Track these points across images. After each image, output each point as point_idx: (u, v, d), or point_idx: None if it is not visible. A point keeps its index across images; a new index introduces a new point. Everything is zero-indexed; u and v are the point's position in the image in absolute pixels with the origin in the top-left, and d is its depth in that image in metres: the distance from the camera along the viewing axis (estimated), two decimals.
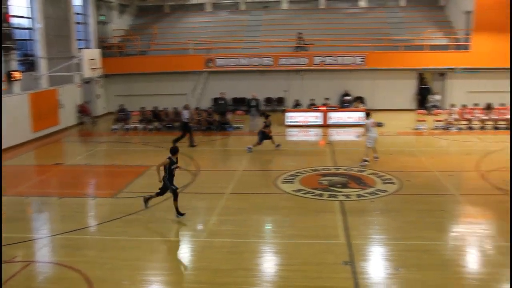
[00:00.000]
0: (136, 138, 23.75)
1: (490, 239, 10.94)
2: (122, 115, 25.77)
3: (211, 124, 24.54)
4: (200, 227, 12.03)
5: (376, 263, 9.99)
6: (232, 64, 29.02)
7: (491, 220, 12.13)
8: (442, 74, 29.23)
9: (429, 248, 10.40)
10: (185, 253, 10.76)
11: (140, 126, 25.15)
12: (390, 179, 15.45)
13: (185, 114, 20.81)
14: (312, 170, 16.70)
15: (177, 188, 12.24)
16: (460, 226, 11.96)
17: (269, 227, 12.07)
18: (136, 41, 31.17)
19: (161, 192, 12.30)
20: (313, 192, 14.23)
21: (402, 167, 16.97)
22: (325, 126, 24.79)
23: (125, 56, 30.44)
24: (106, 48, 29.93)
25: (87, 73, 24.01)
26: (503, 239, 10.79)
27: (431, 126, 24.01)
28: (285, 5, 34.48)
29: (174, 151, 12.27)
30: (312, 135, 23.51)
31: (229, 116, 25.17)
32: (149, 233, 11.57)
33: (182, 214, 12.20)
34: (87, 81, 27.58)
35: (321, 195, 14.01)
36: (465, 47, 28.41)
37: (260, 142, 19.47)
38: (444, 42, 29.42)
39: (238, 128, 24.54)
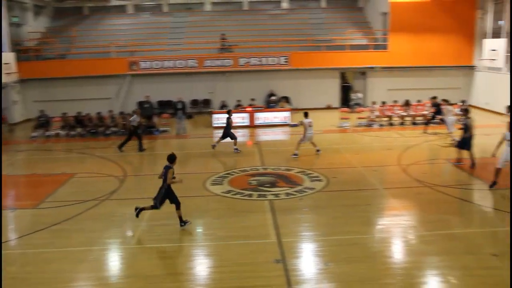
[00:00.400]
0: (58, 145, 22.79)
1: (413, 229, 11.44)
2: (42, 122, 24.63)
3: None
4: (129, 233, 11.72)
5: (307, 259, 10.17)
6: (156, 67, 28.55)
7: (412, 211, 12.69)
8: (363, 73, 30.30)
9: (356, 241, 10.72)
10: (114, 261, 10.43)
11: (62, 132, 24.16)
12: (317, 176, 15.79)
13: (135, 118, 20.34)
14: (240, 171, 16.76)
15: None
16: (385, 218, 12.42)
17: (200, 230, 11.98)
18: (54, 44, 29.97)
19: (157, 205, 11.54)
20: (242, 193, 14.27)
21: (328, 164, 17.40)
22: (252, 126, 24.97)
23: (43, 60, 29.11)
24: (22, 52, 28.55)
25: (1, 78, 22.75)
26: (424, 229, 11.35)
27: (354, 123, 24.80)
28: (208, 7, 34.41)
29: (173, 158, 11.59)
30: (239, 136, 23.56)
31: (155, 119, 24.75)
32: (75, 243, 11.09)
33: (186, 222, 11.67)
34: (2, 87, 26.14)
35: (250, 195, 14.08)
36: (384, 47, 29.64)
37: (234, 137, 19.52)
38: (363, 42, 30.53)
39: (164, 131, 24.18)
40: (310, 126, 18.72)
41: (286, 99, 28.80)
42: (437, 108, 22.46)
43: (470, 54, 29.84)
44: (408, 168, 16.61)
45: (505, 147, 13.76)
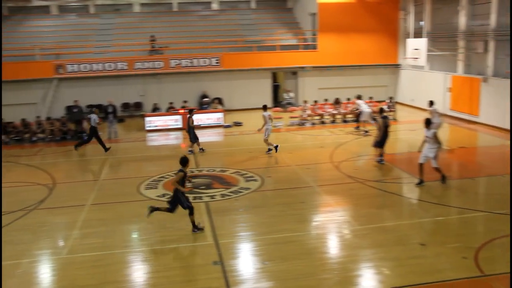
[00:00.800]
0: None
1: (347, 224, 11.76)
2: None
3: (66, 134, 23.23)
4: (60, 243, 11.30)
5: (245, 259, 10.21)
6: (84, 70, 27.62)
7: (346, 206, 13.04)
8: (294, 72, 30.78)
9: (293, 239, 10.88)
10: (45, 273, 9.99)
11: None
12: (252, 176, 15.88)
13: (95, 119, 19.88)
14: (175, 173, 16.49)
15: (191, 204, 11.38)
16: (319, 215, 12.69)
17: (135, 236, 11.74)
18: None
19: (172, 208, 11.32)
20: None
21: (263, 163, 17.55)
22: (185, 128, 24.66)
23: None
24: None
25: None
26: (357, 223, 11.70)
27: (287, 122, 25.15)
28: (137, 8, 33.78)
29: (185, 161, 11.34)
30: (173, 139, 23.32)
31: (85, 124, 23.97)
32: (3, 257, 10.54)
33: (200, 229, 11.32)
34: None
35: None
36: (313, 47, 30.26)
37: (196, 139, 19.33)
38: (294, 42, 31.03)
39: None
40: (270, 119, 18.93)
41: (219, 100, 28.79)
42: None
43: (395, 53, 31.07)
44: (340, 165, 17.05)
45: (425, 143, 14.34)
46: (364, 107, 22.73)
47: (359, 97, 23.55)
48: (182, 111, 25.15)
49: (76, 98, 25.43)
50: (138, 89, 28.72)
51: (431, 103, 19.16)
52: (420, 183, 14.32)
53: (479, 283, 8.77)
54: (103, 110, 24.24)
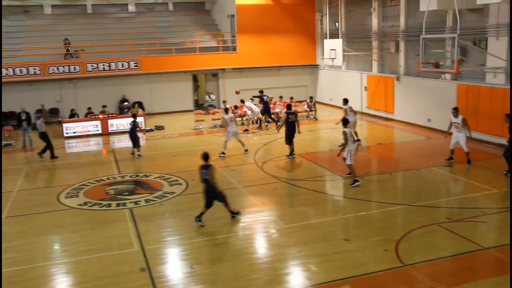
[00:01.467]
0: None
1: (273, 223, 11.90)
2: None
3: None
4: None
5: (172, 264, 10.06)
6: None
7: (271, 206, 13.19)
8: (214, 74, 30.76)
9: (220, 241, 10.88)
10: None
11: None
12: (176, 180, 15.70)
13: (41, 123, 19.54)
14: (96, 181, 16.04)
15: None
16: (246, 216, 12.70)
17: (56, 247, 11.23)
18: None
19: (209, 203, 11.80)
20: (100, 204, 13.69)
21: (186, 167, 17.37)
22: (105, 134, 24.02)
23: None
24: None
25: None
26: (283, 222, 11.88)
27: (209, 125, 25.09)
28: (48, 10, 32.37)
29: (208, 156, 11.86)
30: (93, 145, 22.56)
31: None
32: None
33: (237, 213, 12.17)
34: None
35: (109, 205, 13.56)
36: (233, 48, 30.40)
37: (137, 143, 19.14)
38: (213, 44, 31.01)
39: (8, 145, 22.23)
40: (231, 121, 18.74)
41: (139, 104, 28.20)
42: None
43: (313, 53, 31.87)
44: (264, 165, 17.23)
45: (349, 145, 14.77)
46: (254, 107, 23.83)
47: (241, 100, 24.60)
48: (101, 116, 24.40)
49: None
50: (54, 94, 27.52)
51: (346, 101, 19.73)
52: (355, 182, 14.57)
53: (400, 273, 9.16)
54: (16, 118, 23.01)
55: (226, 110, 19.37)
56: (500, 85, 18.54)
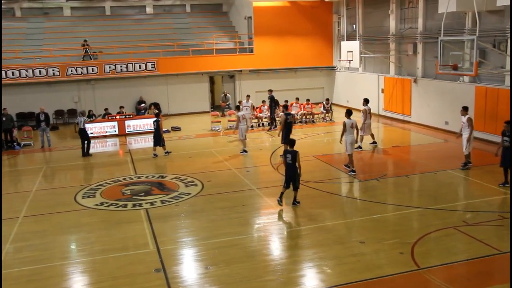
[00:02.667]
0: None
1: (288, 225, 11.90)
2: None
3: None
4: None
5: (187, 265, 10.10)
6: (12, 77, 26.39)
7: (286, 208, 13.14)
8: (231, 76, 30.84)
9: (235, 242, 10.88)
10: None
11: None
12: (192, 181, 15.76)
13: (82, 121, 20.21)
14: (113, 181, 16.19)
15: None
16: (261, 217, 12.74)
17: (73, 247, 11.35)
18: None
19: (288, 185, 12.96)
20: (116, 204, 13.81)
21: (202, 168, 17.45)
22: (122, 135, 24.23)
23: None
24: None
25: None
26: (298, 224, 11.86)
27: (225, 126, 25.15)
28: (67, 12, 32.76)
29: (294, 141, 13.03)
30: (110, 146, 22.77)
31: (15, 133, 22.97)
32: None
33: (299, 202, 13.12)
34: None
35: (125, 205, 13.67)
36: (250, 50, 30.46)
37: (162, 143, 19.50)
38: (230, 46, 31.10)
39: (27, 145, 22.55)
40: (243, 119, 19.22)
41: (155, 106, 28.39)
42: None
43: (330, 55, 31.80)
44: (280, 167, 17.21)
45: (347, 135, 15.85)
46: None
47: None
48: (118, 117, 24.62)
49: (4, 107, 24.30)
50: (72, 95, 27.86)
51: (366, 101, 19.64)
52: (352, 172, 15.95)
53: (415, 276, 9.09)
54: (35, 118, 23.34)
55: (238, 108, 20.15)
56: None
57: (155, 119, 19.55)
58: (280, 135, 17.87)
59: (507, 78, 19.06)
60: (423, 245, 10.40)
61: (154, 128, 19.45)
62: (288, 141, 13.14)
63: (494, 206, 12.72)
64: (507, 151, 13.79)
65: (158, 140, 19.30)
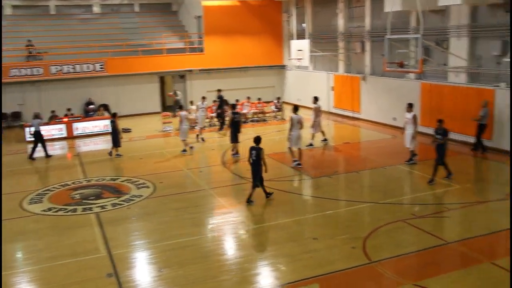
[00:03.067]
0: None
1: (242, 224, 11.90)
2: None
3: None
4: None
5: (140, 268, 9.94)
6: None
7: (240, 207, 13.15)
8: (182, 76, 30.56)
9: (189, 244, 10.78)
10: None
11: None
12: (144, 183, 15.52)
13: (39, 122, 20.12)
14: (61, 185, 15.74)
15: None
16: (214, 218, 12.69)
17: (19, 255, 10.94)
18: None
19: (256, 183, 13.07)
20: (65, 209, 13.43)
21: (154, 169, 17.22)
22: (70, 137, 23.58)
23: None
24: None
25: None
26: (252, 223, 11.90)
27: (177, 127, 24.85)
28: (8, 11, 31.54)
29: (259, 139, 13.13)
30: (57, 149, 22.11)
31: None
32: None
33: (271, 193, 13.36)
34: None
35: (74, 210, 13.31)
36: (201, 50, 30.28)
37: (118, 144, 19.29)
38: (180, 45, 30.81)
39: None
40: (185, 118, 19.22)
41: (105, 107, 27.78)
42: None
43: (280, 54, 32.03)
44: (232, 166, 17.21)
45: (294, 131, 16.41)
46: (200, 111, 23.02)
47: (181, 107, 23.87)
48: (66, 119, 23.94)
49: None
50: (16, 98, 26.85)
51: (316, 99, 19.89)
52: (297, 164, 16.66)
53: (367, 270, 9.27)
54: None
55: (181, 107, 20.37)
56: (462, 84, 18.98)
57: (111, 119, 19.25)
58: (229, 134, 18.13)
59: (450, 75, 19.73)
60: (374, 239, 10.62)
61: (112, 129, 19.24)
62: (255, 139, 13.21)
63: (440, 198, 13.15)
64: (439, 148, 14.20)
65: (116, 140, 19.07)
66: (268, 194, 13.32)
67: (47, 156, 19.78)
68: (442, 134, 14.04)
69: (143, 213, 12.97)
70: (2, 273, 9.81)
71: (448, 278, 8.81)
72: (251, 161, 12.98)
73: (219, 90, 24.69)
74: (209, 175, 16.90)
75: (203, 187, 14.98)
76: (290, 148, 16.77)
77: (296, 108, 16.90)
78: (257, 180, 13.01)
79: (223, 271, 9.54)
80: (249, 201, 13.07)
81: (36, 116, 20.40)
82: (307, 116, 19.71)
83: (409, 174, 15.62)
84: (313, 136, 19.47)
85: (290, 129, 16.55)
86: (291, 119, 16.57)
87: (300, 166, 16.41)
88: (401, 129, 17.40)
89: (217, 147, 20.46)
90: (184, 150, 19.24)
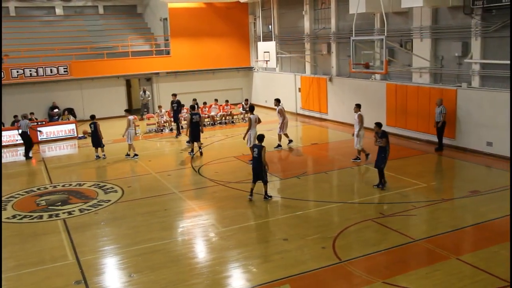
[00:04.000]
0: None
1: (212, 227, 11.86)
2: None
3: None
4: None
5: (110, 274, 9.79)
6: None
7: (210, 210, 13.13)
8: (148, 79, 30.28)
9: (158, 248, 10.69)
10: None
11: None
12: (112, 187, 15.32)
13: (27, 124, 20.43)
14: (26, 192, 15.39)
15: None
16: (184, 221, 12.61)
17: None
18: None
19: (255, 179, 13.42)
20: (30, 216, 13.13)
21: (122, 173, 17.03)
22: (34, 142, 23.02)
23: None
24: None
25: None
26: (222, 225, 11.86)
27: (144, 130, 24.67)
28: None
29: (263, 137, 13.40)
30: (21, 154, 21.58)
31: None
32: None
33: (270, 197, 13.48)
34: None
35: (40, 217, 13.03)
36: (167, 52, 30.07)
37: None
38: (146, 48, 30.54)
39: None
40: (133, 123, 19.28)
41: (69, 111, 27.30)
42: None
43: (247, 56, 32.08)
44: (201, 169, 17.14)
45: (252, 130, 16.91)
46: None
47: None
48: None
49: None
50: None
51: (278, 101, 20.03)
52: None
53: (338, 269, 9.37)
54: None
55: (129, 111, 20.34)
56: (426, 84, 19.39)
57: (92, 122, 19.25)
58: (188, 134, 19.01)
59: (414, 75, 20.13)
60: (344, 238, 10.74)
61: (91, 131, 19.23)
62: (259, 137, 13.49)
63: (407, 197, 13.38)
64: (379, 152, 14.02)
65: (98, 142, 19.24)
66: (267, 196, 13.51)
67: (27, 158, 20.15)
68: (381, 137, 13.87)
69: (111, 218, 12.80)
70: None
71: (416, 275, 8.98)
72: (253, 158, 13.51)
73: (174, 95, 24.25)
74: (178, 178, 16.78)
75: (172, 191, 14.88)
76: (251, 148, 16.68)
77: (252, 108, 17.89)
78: (259, 177, 13.32)
79: (194, 274, 9.49)
80: (251, 195, 13.49)
81: (24, 117, 20.57)
82: (274, 118, 19.80)
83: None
84: (280, 138, 19.55)
85: (248, 130, 17.05)
86: (249, 120, 17.16)
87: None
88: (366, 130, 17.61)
89: (186, 150, 20.33)
90: (135, 155, 19.08)
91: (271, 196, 13.57)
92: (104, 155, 19.38)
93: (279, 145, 19.43)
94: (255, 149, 13.25)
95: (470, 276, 8.88)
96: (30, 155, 20.29)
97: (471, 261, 9.38)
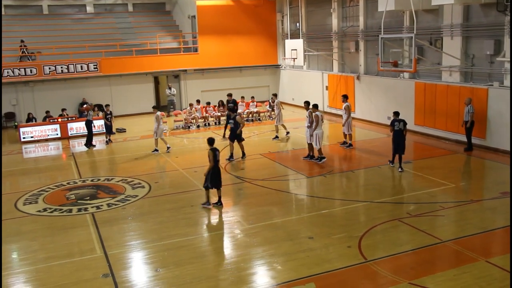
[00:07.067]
0: None
1: (237, 224, 11.90)
2: None
3: None
4: None
5: (136, 268, 9.92)
6: None
7: (236, 207, 13.18)
8: (176, 76, 30.53)
9: (184, 244, 10.78)
10: None
11: None
12: (139, 183, 15.51)
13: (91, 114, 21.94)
14: (56, 186, 15.70)
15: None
16: (210, 217, 12.68)
17: (15, 256, 10.90)
18: None
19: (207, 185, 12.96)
20: (60, 209, 13.40)
21: (149, 169, 17.21)
22: (65, 138, 23.53)
23: None
24: None
25: None
26: (247, 222, 11.88)
27: (172, 126, 24.89)
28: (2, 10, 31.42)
29: (211, 141, 13.05)
30: (52, 149, 22.04)
31: None
32: None
33: (221, 204, 13.00)
34: None
35: (70, 210, 13.29)
36: (195, 49, 30.26)
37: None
38: (174, 45, 30.78)
39: None
40: (160, 119, 19.48)
41: (99, 107, 27.67)
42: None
43: (274, 54, 32.04)
44: (227, 166, 17.21)
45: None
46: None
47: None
48: (60, 119, 23.87)
49: None
50: (9, 98, 26.76)
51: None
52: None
53: (363, 269, 9.30)
54: None
55: (156, 107, 21.00)
56: (456, 83, 19.06)
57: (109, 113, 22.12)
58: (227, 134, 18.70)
59: (444, 74, 19.81)
60: (370, 238, 10.66)
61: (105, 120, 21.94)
62: (208, 141, 13.22)
63: (435, 197, 13.19)
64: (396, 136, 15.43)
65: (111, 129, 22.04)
66: (219, 202, 13.03)
67: (90, 146, 21.41)
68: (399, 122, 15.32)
69: (138, 213, 12.96)
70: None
71: (443, 277, 8.85)
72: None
73: (229, 95, 23.99)
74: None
75: (198, 187, 14.97)
76: (319, 150, 16.94)
77: (316, 105, 17.18)
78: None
79: (219, 270, 9.55)
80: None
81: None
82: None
83: (404, 173, 15.66)
84: (345, 136, 19.47)
85: (316, 127, 16.66)
86: (316, 117, 16.67)
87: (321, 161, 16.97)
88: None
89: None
90: (156, 150, 19.43)
91: (222, 204, 13.09)
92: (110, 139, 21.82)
93: (348, 144, 19.31)
94: (216, 152, 12.78)
95: (500, 280, 8.70)
96: (94, 143, 21.51)
97: (501, 264, 9.20)
